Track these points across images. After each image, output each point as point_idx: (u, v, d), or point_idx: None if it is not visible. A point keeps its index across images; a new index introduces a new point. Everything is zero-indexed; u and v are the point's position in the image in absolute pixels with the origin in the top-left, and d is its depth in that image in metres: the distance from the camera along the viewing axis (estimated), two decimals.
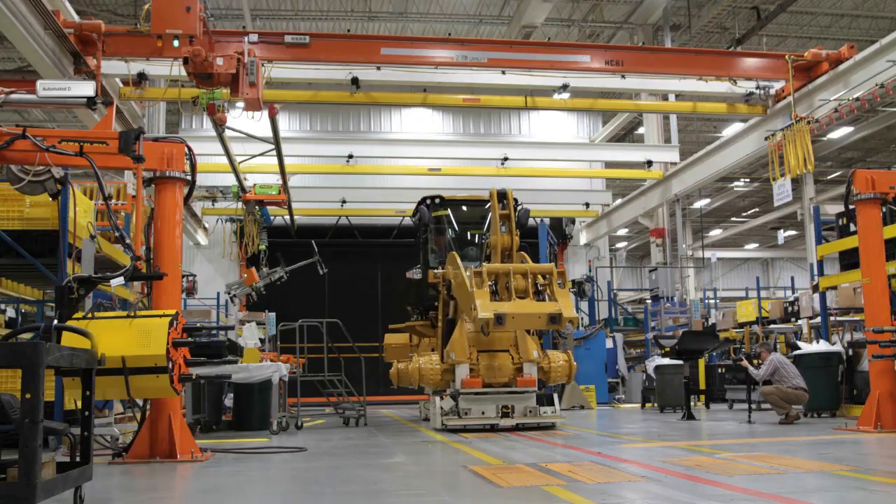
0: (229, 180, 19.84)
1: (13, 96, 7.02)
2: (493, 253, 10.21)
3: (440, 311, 11.93)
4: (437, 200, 13.05)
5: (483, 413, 9.99)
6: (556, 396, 10.90)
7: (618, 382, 19.32)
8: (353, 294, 26.74)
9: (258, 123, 14.40)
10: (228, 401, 12.29)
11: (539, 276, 9.42)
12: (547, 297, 9.20)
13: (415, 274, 12.56)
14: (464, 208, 13.65)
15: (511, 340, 10.63)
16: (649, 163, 21.76)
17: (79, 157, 6.99)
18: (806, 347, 12.50)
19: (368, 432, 10.63)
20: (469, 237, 13.62)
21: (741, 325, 18.26)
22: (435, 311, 12.37)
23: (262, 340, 17.58)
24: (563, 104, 17.59)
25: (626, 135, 29.31)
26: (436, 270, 11.90)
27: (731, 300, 28.28)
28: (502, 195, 10.27)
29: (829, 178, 31.48)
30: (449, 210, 13.18)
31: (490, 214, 10.49)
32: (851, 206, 10.18)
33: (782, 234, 33.48)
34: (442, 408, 10.21)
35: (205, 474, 6.29)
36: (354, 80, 15.16)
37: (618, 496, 4.71)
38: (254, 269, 15.63)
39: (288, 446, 8.55)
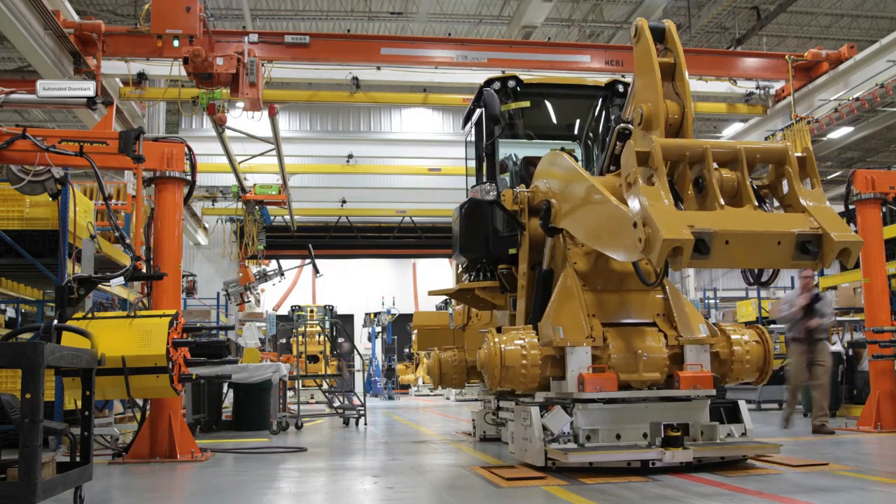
0: (229, 180, 19.89)
1: (13, 96, 7.02)
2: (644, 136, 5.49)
3: (523, 257, 7.19)
4: (510, 84, 8.10)
5: (619, 438, 5.86)
6: (743, 405, 6.29)
7: None
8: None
9: (258, 123, 14.45)
10: (228, 401, 12.29)
11: (758, 168, 5.18)
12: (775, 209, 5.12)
13: (486, 193, 7.16)
14: (552, 97, 8.69)
15: (658, 305, 6.42)
16: None
17: (79, 157, 7.00)
18: None
19: (370, 433, 10.63)
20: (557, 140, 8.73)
21: None
22: (509, 262, 7.60)
23: (261, 340, 17.67)
24: None
25: None
26: (517, 189, 7.17)
27: (731, 300, 28.24)
28: (659, 33, 5.63)
29: (829, 178, 31.45)
30: (529, 101, 8.34)
31: (636, 73, 5.80)
32: (851, 206, 10.18)
33: None
34: (547, 429, 5.81)
35: (205, 474, 6.29)
36: (354, 80, 15.18)
37: (618, 496, 4.71)
38: (249, 268, 15.69)
39: (288, 446, 8.56)
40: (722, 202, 4.76)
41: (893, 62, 13.23)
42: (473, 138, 8.46)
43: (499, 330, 6.38)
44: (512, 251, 7.45)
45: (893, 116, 21.92)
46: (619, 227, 4.96)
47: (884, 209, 9.93)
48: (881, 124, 22.80)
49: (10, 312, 12.84)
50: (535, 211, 6.84)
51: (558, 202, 6.30)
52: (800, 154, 5.07)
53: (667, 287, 6.46)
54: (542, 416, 5.85)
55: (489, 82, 8.11)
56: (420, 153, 22.10)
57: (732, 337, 6.32)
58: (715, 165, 4.93)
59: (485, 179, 7.99)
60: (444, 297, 9.37)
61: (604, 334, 6.08)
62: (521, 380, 6.00)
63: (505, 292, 7.86)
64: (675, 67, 5.61)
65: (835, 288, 13.23)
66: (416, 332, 11.76)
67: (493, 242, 7.66)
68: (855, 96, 14.04)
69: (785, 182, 5.04)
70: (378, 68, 15.11)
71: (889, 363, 9.14)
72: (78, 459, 4.28)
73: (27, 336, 5.92)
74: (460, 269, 8.90)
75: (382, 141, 24.02)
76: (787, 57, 15.38)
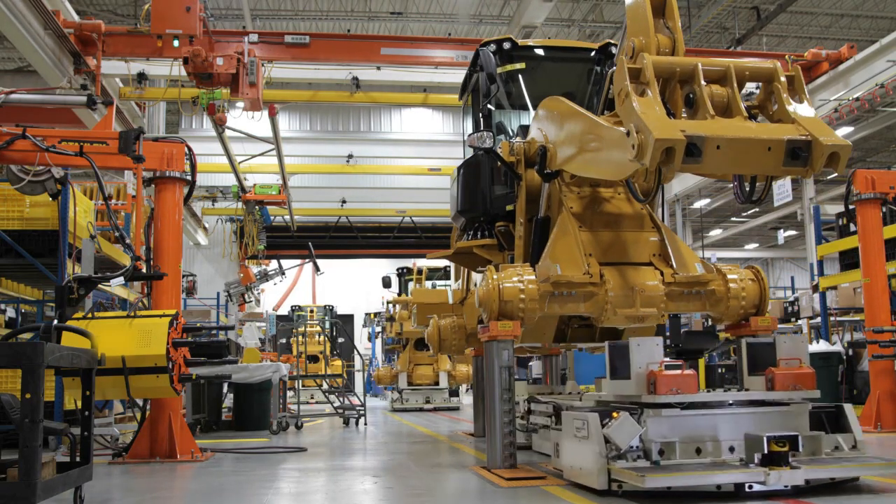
0: (229, 180, 19.91)
1: (13, 96, 7.03)
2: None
3: (520, 210, 7.19)
4: (505, 45, 8.26)
5: (699, 452, 4.91)
6: (849, 409, 5.33)
7: None
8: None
9: (258, 123, 14.46)
10: (228, 401, 12.29)
11: (748, 85, 5.18)
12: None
13: (482, 141, 7.07)
14: (547, 61, 8.77)
15: (654, 246, 6.36)
16: None
17: (79, 157, 7.01)
18: None
19: (370, 433, 10.63)
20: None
21: None
22: (507, 219, 7.60)
23: (261, 340, 17.69)
24: None
25: None
26: (514, 140, 7.19)
27: None
28: None
29: (829, 178, 31.46)
30: (524, 63, 8.35)
31: (627, 14, 5.67)
32: (851, 206, 10.18)
33: (782, 234, 33.42)
34: (611, 442, 4.71)
35: (205, 474, 6.29)
36: (354, 80, 15.19)
37: (618, 496, 4.71)
38: (250, 268, 15.69)
39: (288, 446, 8.56)
40: (713, 113, 4.78)
41: (893, 62, 13.24)
42: (471, 106, 8.46)
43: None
44: (509, 208, 7.42)
45: (893, 116, 21.93)
46: (613, 144, 4.95)
47: (884, 209, 9.93)
48: (881, 124, 22.82)
49: (10, 312, 12.85)
50: (531, 163, 6.84)
51: (555, 146, 6.28)
52: (789, 73, 5.15)
53: (661, 228, 6.47)
54: (603, 425, 4.70)
55: (485, 44, 8.18)
56: (420, 153, 22.12)
57: (729, 275, 6.18)
58: (705, 83, 4.92)
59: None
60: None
61: (601, 272, 5.94)
62: (520, 314, 5.88)
63: (503, 251, 7.77)
64: (666, 4, 5.49)
65: (835, 288, 13.23)
66: (415, 307, 11.75)
67: (490, 199, 7.63)
68: (855, 96, 14.05)
69: (774, 99, 5.09)
70: (378, 68, 15.11)
71: (889, 363, 9.14)
72: (78, 459, 4.28)
73: (27, 336, 5.92)
74: (459, 232, 8.85)
75: (382, 141, 24.04)
76: (787, 57, 15.37)
